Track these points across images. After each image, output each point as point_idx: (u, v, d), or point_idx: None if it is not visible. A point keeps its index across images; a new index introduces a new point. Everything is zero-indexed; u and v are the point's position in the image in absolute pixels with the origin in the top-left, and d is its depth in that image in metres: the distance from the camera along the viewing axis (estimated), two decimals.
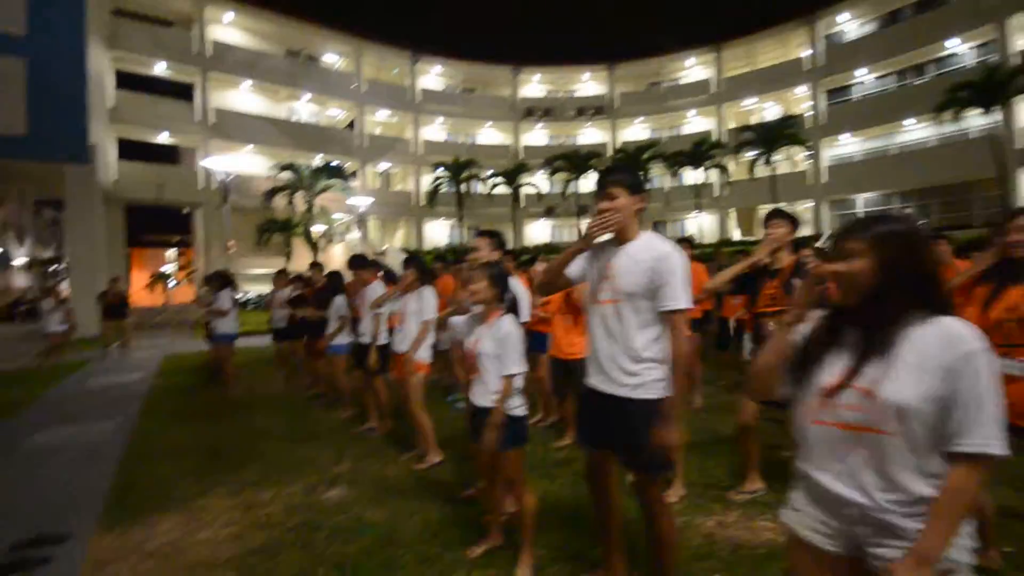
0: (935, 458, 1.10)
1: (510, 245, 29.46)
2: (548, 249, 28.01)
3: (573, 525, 2.87)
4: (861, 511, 1.15)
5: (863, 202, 24.16)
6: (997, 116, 18.13)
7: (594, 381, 2.10)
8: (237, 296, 6.85)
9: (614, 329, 2.02)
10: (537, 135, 31.74)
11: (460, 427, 4.41)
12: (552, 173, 25.73)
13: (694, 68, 29.01)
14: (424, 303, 3.95)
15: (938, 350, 1.10)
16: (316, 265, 7.73)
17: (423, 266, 4.11)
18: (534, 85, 31.98)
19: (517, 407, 2.44)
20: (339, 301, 5.28)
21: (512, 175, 24.56)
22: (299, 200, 18.67)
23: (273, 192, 18.14)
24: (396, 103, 29.17)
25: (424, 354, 3.98)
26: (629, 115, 29.69)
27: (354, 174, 21.26)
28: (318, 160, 23.28)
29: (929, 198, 22.16)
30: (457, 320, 2.81)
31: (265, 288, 15.39)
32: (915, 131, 22.60)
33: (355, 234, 25.03)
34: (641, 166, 23.16)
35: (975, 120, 19.63)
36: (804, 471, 1.26)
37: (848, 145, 24.47)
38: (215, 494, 3.55)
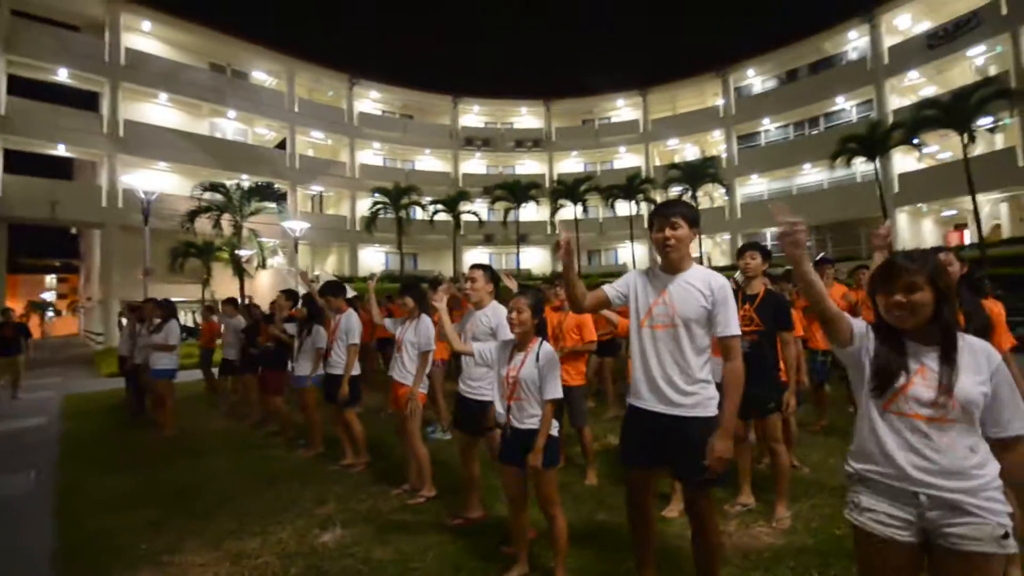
0: (982, 443, 1.40)
1: (449, 272, 29.38)
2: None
3: (589, 546, 2.89)
4: (932, 497, 1.36)
5: (771, 235, 26.76)
6: (878, 165, 21.06)
7: (645, 402, 2.17)
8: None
9: (671, 352, 2.13)
10: (476, 164, 32.23)
11: (440, 459, 4.32)
12: (493, 202, 26.11)
13: (623, 109, 31.10)
14: (421, 333, 3.85)
15: (984, 359, 1.41)
16: (231, 301, 7.27)
17: (422, 294, 4.01)
18: (472, 116, 32.62)
19: (552, 428, 2.47)
20: (319, 331, 4.96)
21: (453, 203, 24.63)
22: (225, 223, 17.38)
23: (196, 213, 16.76)
24: (331, 125, 28.47)
25: (424, 386, 3.86)
26: (565, 148, 31.07)
27: (284, 196, 20.22)
28: (244, 180, 22.01)
29: (824, 233, 25.03)
30: (486, 347, 2.78)
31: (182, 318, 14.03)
32: (812, 175, 25.62)
33: (279, 259, 23.71)
34: (579, 197, 24.19)
35: (861, 167, 22.68)
36: (865, 472, 1.47)
37: (758, 185, 27.18)
38: (188, 548, 3.18)
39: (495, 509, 3.45)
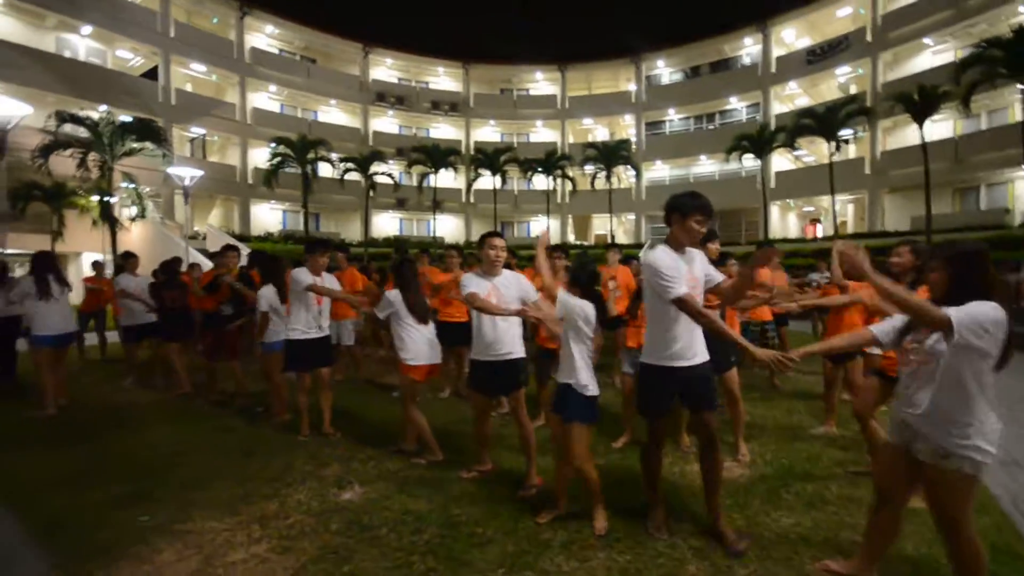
0: None
1: (358, 237, 27.85)
2: (398, 242, 27.19)
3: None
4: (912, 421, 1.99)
5: None
6: (759, 162, 23.87)
7: (675, 360, 2.55)
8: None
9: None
10: (387, 122, 30.45)
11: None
12: (409, 165, 25.02)
13: (541, 82, 31.27)
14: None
15: None
16: (129, 255, 6.48)
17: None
18: (384, 69, 30.59)
19: (589, 387, 2.69)
20: (268, 292, 4.49)
21: (365, 162, 23.11)
22: (91, 163, 14.45)
23: (50, 148, 13.69)
24: (216, 58, 24.88)
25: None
26: (483, 116, 30.55)
27: (165, 137, 17.20)
28: (102, 112, 18.50)
29: (712, 219, 27.90)
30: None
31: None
32: (707, 166, 28.26)
33: (152, 211, 20.55)
34: (498, 168, 24.10)
35: (747, 163, 25.53)
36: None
37: (661, 170, 29.30)
38: (199, 516, 2.89)
39: (501, 461, 3.61)
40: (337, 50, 29.10)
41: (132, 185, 16.59)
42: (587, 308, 2.70)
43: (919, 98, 15.74)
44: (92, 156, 14.33)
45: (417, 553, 2.47)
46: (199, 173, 14.73)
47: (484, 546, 2.54)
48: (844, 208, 25.17)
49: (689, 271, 2.53)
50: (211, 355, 5.31)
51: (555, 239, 28.83)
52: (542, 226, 30.79)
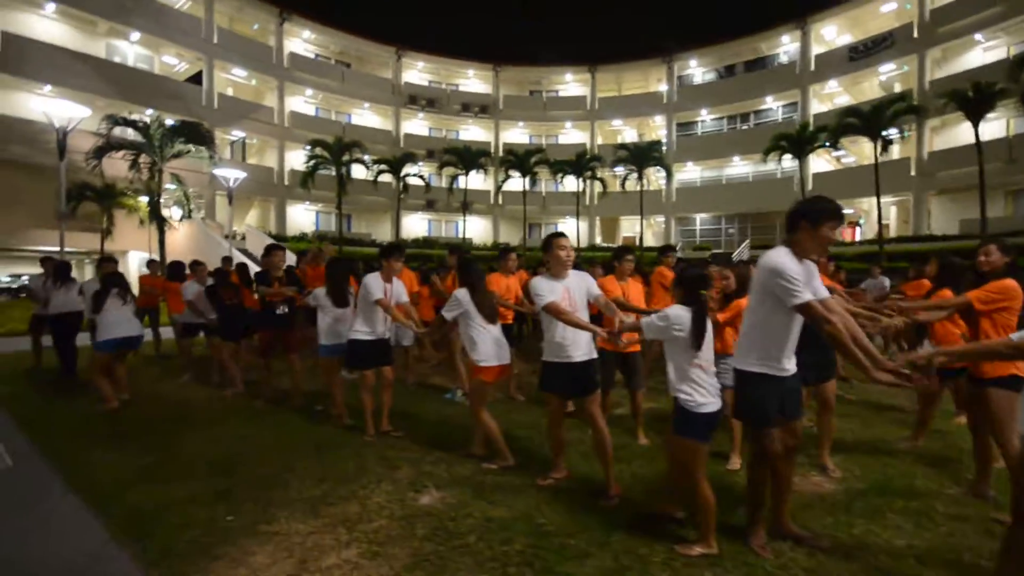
0: None
1: (388, 237, 28.18)
2: (426, 243, 27.38)
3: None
4: None
5: (700, 221, 28.71)
6: (796, 163, 23.17)
7: (783, 369, 2.46)
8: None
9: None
10: (417, 124, 30.76)
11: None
12: (441, 167, 25.17)
13: (571, 84, 31.17)
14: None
15: None
16: (197, 264, 6.67)
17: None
18: (415, 72, 30.92)
19: (690, 401, 2.51)
20: (319, 294, 4.50)
21: (398, 164, 23.35)
22: (142, 165, 14.96)
23: (104, 150, 14.20)
24: (256, 63, 25.57)
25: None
26: (512, 117, 30.59)
27: (213, 139, 17.70)
28: (149, 116, 19.15)
29: (746, 222, 27.31)
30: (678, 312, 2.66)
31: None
32: (740, 167, 27.65)
33: (199, 213, 21.18)
34: (528, 169, 24.06)
35: (782, 164, 24.83)
36: None
37: (692, 172, 28.81)
38: (282, 517, 2.88)
39: (574, 467, 3.51)
40: (371, 54, 29.56)
41: (175, 187, 17.16)
42: (679, 313, 2.54)
43: (974, 95, 14.99)
44: (143, 158, 14.77)
45: (512, 564, 2.39)
46: (243, 175, 15.09)
47: (580, 559, 2.43)
48: (887, 211, 24.26)
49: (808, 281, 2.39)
50: (266, 351, 5.36)
51: (583, 241, 28.59)
52: (570, 227, 30.64)
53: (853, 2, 22.96)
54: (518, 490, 3.20)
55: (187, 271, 7.10)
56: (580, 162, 24.31)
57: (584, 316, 3.20)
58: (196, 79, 24.70)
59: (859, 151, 23.68)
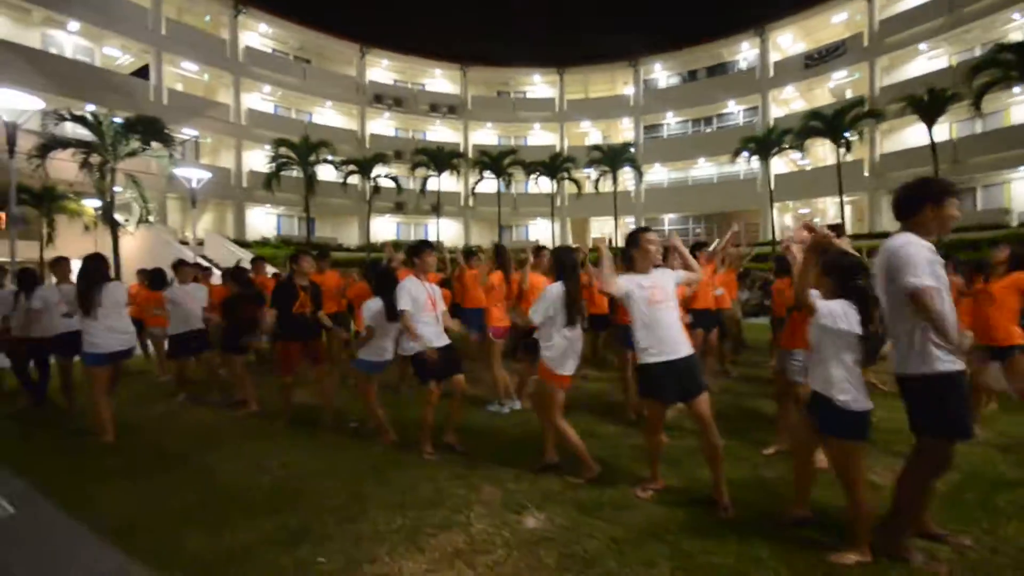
0: None
1: (356, 241, 27.26)
2: (396, 247, 26.61)
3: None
4: None
5: (668, 221, 29.41)
6: (757, 165, 24.13)
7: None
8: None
9: None
10: (383, 124, 29.90)
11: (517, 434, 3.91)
12: (413, 168, 24.53)
13: (539, 85, 31.17)
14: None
15: None
16: (183, 263, 6.13)
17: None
18: (380, 70, 30.05)
19: (849, 399, 2.36)
20: (375, 306, 4.12)
21: (367, 165, 22.56)
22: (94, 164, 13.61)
23: (48, 148, 12.81)
24: (209, 57, 24.09)
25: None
26: (481, 118, 30.27)
27: (171, 137, 16.28)
28: (89, 111, 17.60)
29: (712, 222, 28.16)
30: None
31: None
32: (705, 168, 28.52)
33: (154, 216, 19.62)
34: (503, 170, 23.84)
35: (744, 167, 25.86)
36: None
37: (659, 173, 29.45)
38: (382, 552, 2.60)
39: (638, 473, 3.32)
40: (333, 51, 28.49)
41: (121, 189, 15.74)
42: (833, 307, 2.39)
43: (929, 100, 16.03)
44: (93, 157, 13.50)
45: None
46: (207, 175, 14.06)
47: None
48: (841, 210, 25.65)
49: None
50: (289, 365, 4.81)
51: (554, 241, 28.66)
52: (542, 229, 30.67)
53: (807, 12, 24.16)
54: (621, 504, 2.98)
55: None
56: (554, 163, 24.32)
57: (676, 310, 3.09)
58: (141, 73, 22.98)
59: (813, 154, 24.91)
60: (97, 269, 4.43)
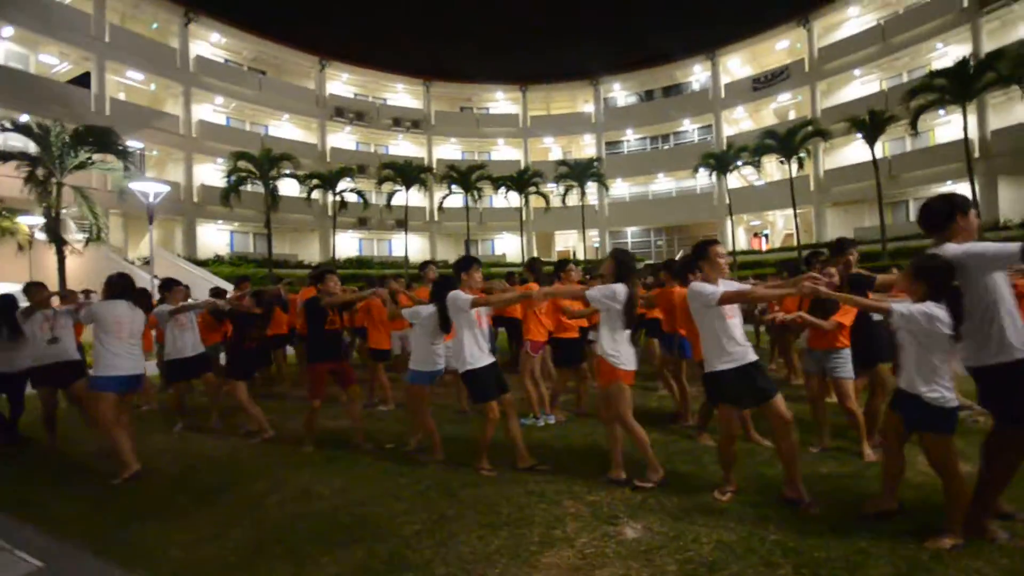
0: None
1: (316, 258, 26.39)
2: (360, 263, 25.93)
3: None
4: None
5: (631, 234, 30.29)
6: (712, 180, 25.37)
7: None
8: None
9: None
10: (343, 138, 29.26)
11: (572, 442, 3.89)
12: (380, 182, 24.07)
13: (502, 102, 31.55)
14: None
15: None
16: (172, 283, 5.57)
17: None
18: (340, 84, 29.49)
19: (939, 396, 2.47)
20: (422, 312, 4.00)
21: (331, 179, 21.94)
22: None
23: None
24: (156, 66, 22.87)
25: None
26: (444, 133, 30.23)
27: (126, 149, 15.05)
28: (23, 121, 16.18)
29: (672, 234, 29.31)
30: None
31: None
32: (663, 183, 29.69)
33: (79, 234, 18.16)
34: (471, 185, 23.83)
35: (701, 181, 27.16)
36: None
37: (620, 188, 30.38)
38: (481, 559, 2.43)
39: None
40: (289, 62, 27.71)
41: (65, 206, 14.44)
42: (927, 310, 2.44)
43: (871, 121, 17.47)
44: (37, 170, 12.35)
45: None
46: (165, 189, 13.18)
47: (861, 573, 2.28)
48: (789, 222, 27.34)
49: None
50: (318, 388, 4.48)
51: (521, 255, 28.84)
52: (507, 244, 30.81)
53: (753, 39, 25.90)
54: (707, 509, 2.98)
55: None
56: (522, 178, 24.58)
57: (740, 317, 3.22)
58: (79, 81, 21.46)
59: (762, 170, 26.53)
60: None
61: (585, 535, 2.72)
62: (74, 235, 16.72)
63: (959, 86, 14.41)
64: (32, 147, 12.84)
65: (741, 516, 2.86)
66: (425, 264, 6.14)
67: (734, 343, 3.07)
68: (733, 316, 3.13)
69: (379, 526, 2.93)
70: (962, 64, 14.42)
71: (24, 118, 17.10)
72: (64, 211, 14.78)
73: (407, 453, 4.22)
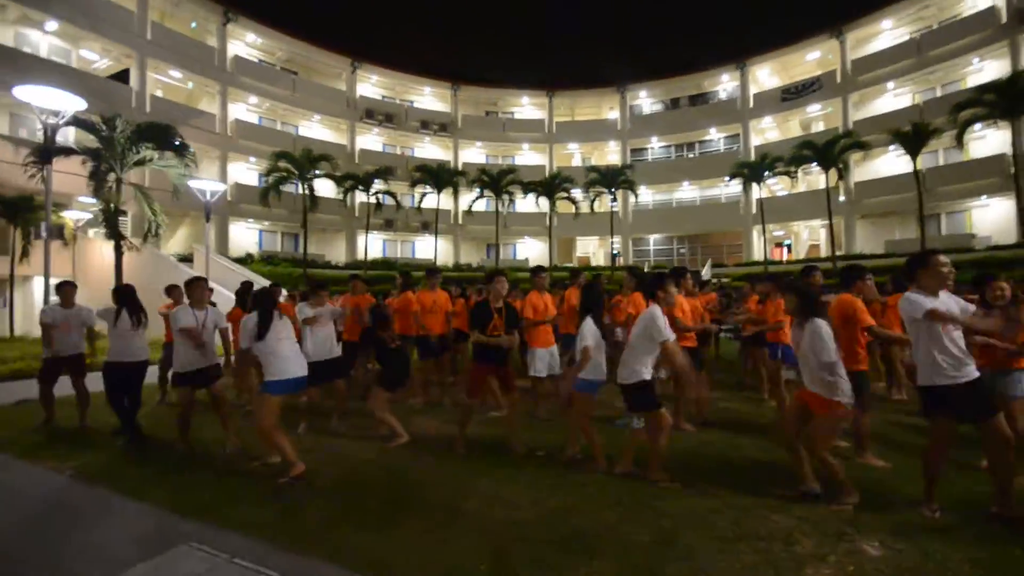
0: None
1: (343, 258, 26.42)
2: (385, 264, 25.97)
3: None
4: None
5: (653, 241, 30.35)
6: (739, 189, 25.40)
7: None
8: None
9: None
10: (371, 140, 29.40)
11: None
12: (412, 184, 24.18)
13: (527, 107, 31.69)
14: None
15: None
16: (198, 279, 5.19)
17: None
18: (369, 86, 29.65)
19: None
20: (591, 327, 4.06)
21: (366, 181, 22.04)
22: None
23: (48, 154, 11.59)
24: (195, 64, 23.04)
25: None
26: (471, 137, 30.36)
27: (186, 145, 15.09)
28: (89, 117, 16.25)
29: (695, 242, 29.36)
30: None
31: None
32: (688, 191, 29.76)
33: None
34: (502, 190, 23.93)
35: (725, 191, 27.23)
36: None
37: (644, 195, 30.43)
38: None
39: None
40: (320, 64, 27.89)
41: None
42: None
43: (913, 134, 17.54)
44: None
45: None
46: (223, 187, 13.26)
47: None
48: (816, 233, 27.39)
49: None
50: (475, 389, 4.58)
51: (543, 261, 28.89)
52: (530, 248, 30.88)
53: (783, 49, 26.01)
54: (931, 525, 3.02)
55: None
56: (551, 183, 24.67)
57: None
58: (117, 78, 21.60)
59: (784, 180, 26.58)
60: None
61: (827, 549, 2.76)
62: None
63: (1009, 101, 14.50)
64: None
65: (979, 535, 2.88)
66: (537, 269, 6.03)
67: (947, 357, 3.07)
68: (951, 329, 3.09)
69: (600, 536, 2.97)
70: (1013, 79, 14.52)
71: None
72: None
73: (567, 461, 4.25)
